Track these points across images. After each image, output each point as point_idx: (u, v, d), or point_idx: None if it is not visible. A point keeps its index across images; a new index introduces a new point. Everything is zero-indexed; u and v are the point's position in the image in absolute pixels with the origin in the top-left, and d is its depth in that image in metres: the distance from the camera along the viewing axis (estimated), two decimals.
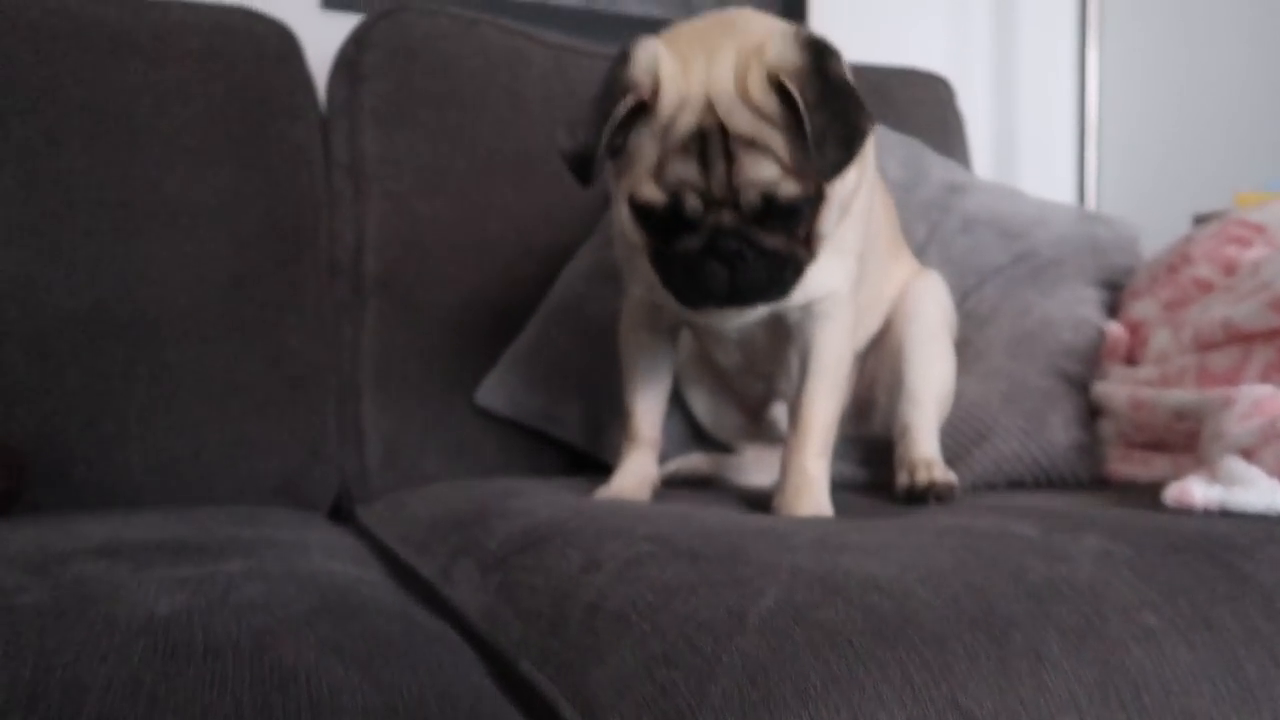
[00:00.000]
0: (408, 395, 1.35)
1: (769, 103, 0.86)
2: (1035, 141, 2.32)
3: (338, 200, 1.41)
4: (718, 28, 0.92)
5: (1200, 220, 1.74)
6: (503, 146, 1.47)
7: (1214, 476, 0.83)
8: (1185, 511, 0.82)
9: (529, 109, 1.51)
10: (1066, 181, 2.17)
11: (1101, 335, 1.26)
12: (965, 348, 1.29)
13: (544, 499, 0.99)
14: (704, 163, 0.87)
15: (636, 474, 1.11)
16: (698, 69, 0.88)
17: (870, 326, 1.19)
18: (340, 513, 1.32)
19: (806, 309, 1.01)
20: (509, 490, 1.06)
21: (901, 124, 1.80)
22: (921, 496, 1.02)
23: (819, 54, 0.87)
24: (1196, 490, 0.82)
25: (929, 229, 1.49)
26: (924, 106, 1.90)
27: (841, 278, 1.01)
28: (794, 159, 0.86)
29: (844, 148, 0.85)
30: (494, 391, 1.34)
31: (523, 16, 1.70)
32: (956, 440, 1.16)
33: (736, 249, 0.88)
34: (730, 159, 0.86)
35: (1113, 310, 1.34)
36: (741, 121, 0.86)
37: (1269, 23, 1.96)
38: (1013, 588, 0.61)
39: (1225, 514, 0.80)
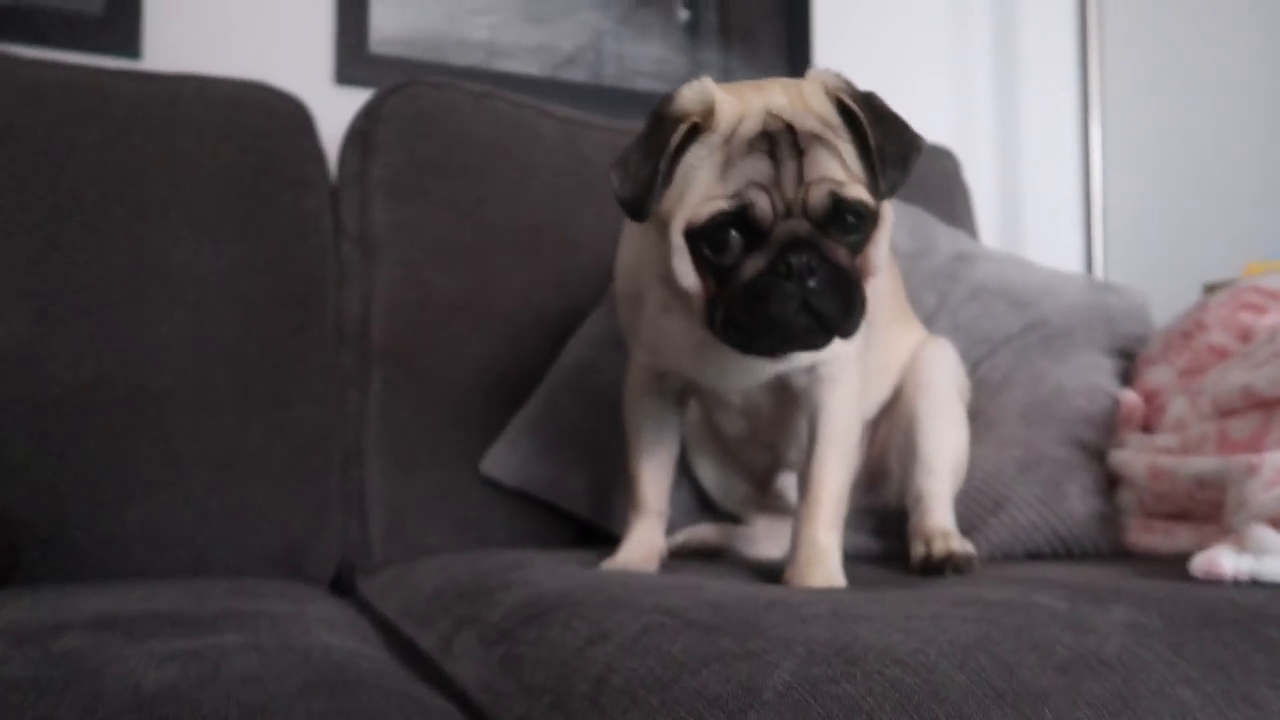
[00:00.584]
0: (413, 465, 1.33)
1: (830, 114, 0.87)
2: (1041, 213, 2.33)
3: (346, 270, 1.41)
4: (758, 81, 0.93)
5: (1210, 289, 1.73)
6: (512, 217, 1.48)
7: (1242, 546, 0.80)
8: (1215, 582, 0.79)
9: (538, 180, 1.52)
10: (1074, 252, 2.17)
11: (1116, 403, 1.24)
12: (978, 416, 1.27)
13: (549, 570, 0.96)
14: (774, 159, 0.84)
15: (643, 545, 1.08)
16: (751, 96, 0.88)
17: (879, 394, 1.18)
18: (342, 584, 1.29)
19: (813, 372, 1.00)
20: (514, 562, 1.04)
21: (908, 195, 1.80)
22: (938, 568, 0.99)
23: (863, 90, 0.89)
24: (1226, 560, 0.79)
25: (938, 298, 1.48)
26: (930, 178, 1.91)
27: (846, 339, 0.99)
28: (854, 172, 0.86)
29: (901, 165, 0.86)
30: (500, 461, 1.32)
31: (533, 91, 1.73)
32: (972, 510, 1.14)
33: (808, 264, 0.82)
34: (800, 154, 0.84)
35: (1127, 378, 1.32)
36: (808, 121, 0.86)
37: (1277, 93, 1.99)
38: (1040, 661, 0.58)
39: (1256, 584, 0.77)
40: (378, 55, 1.81)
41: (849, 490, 1.02)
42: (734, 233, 0.84)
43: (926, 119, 2.22)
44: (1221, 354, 1.16)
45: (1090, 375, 1.29)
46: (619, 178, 0.87)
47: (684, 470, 1.28)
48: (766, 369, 0.97)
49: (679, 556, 1.18)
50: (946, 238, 1.58)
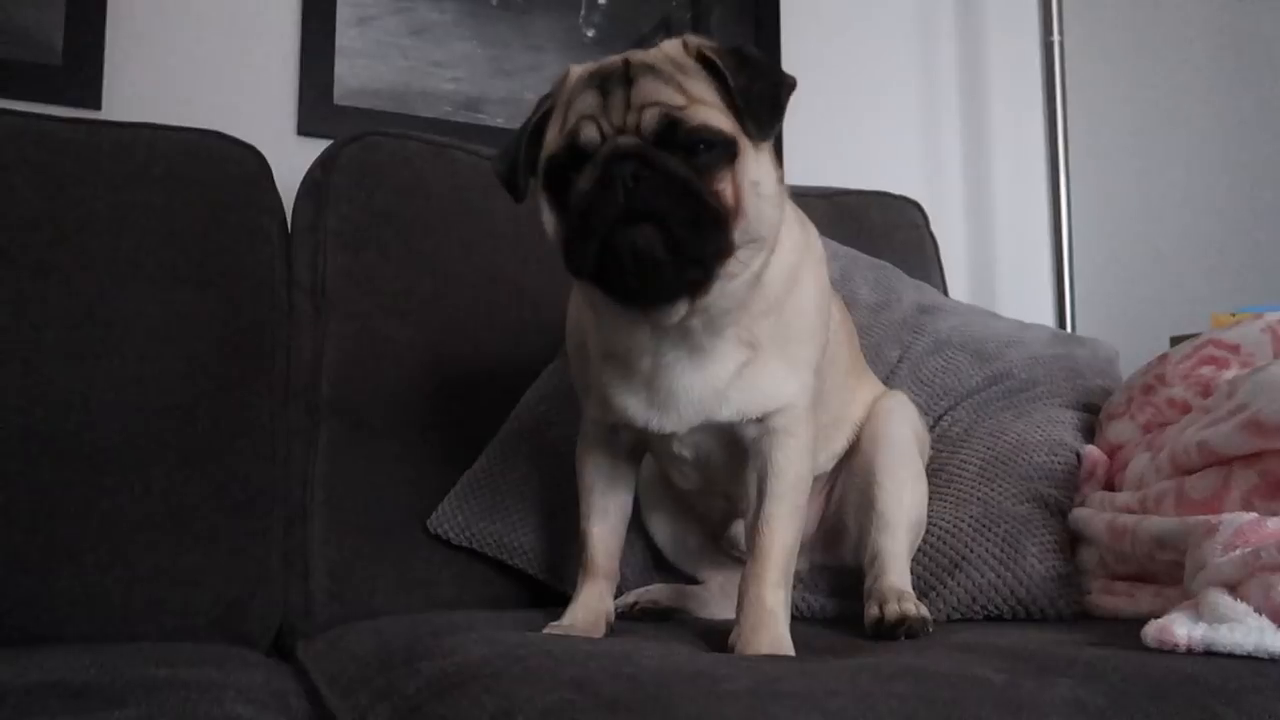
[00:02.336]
0: (358, 522, 1.29)
1: (682, 58, 0.87)
2: (1012, 264, 2.32)
3: (298, 322, 1.38)
4: None
5: (1175, 341, 1.71)
6: (468, 269, 1.46)
7: (1198, 613, 0.77)
8: (1170, 650, 0.76)
9: (496, 231, 1.50)
10: (1045, 303, 2.16)
11: (1078, 458, 1.21)
12: (939, 472, 1.24)
13: (483, 636, 0.92)
14: (603, 93, 0.84)
15: (591, 608, 1.04)
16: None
17: (835, 446, 1.15)
18: (285, 647, 1.24)
19: (763, 424, 0.97)
20: (450, 626, 1.00)
21: (876, 247, 1.80)
22: (891, 631, 0.95)
23: (736, 45, 0.90)
24: (1179, 629, 0.75)
25: (901, 350, 1.46)
26: (899, 230, 1.90)
27: (796, 390, 0.96)
28: (705, 101, 0.84)
29: (771, 104, 0.85)
30: (448, 519, 1.28)
31: (500, 142, 1.71)
32: (929, 569, 1.10)
33: (632, 173, 0.79)
34: (630, 83, 0.84)
35: (1092, 432, 1.30)
36: (647, 59, 0.86)
37: (1243, 146, 1.99)
38: None
39: (1211, 654, 0.74)
40: (342, 107, 1.80)
41: (799, 547, 0.99)
42: (571, 172, 0.84)
43: (897, 172, 2.22)
44: (1183, 408, 1.14)
45: (1052, 429, 1.26)
46: (497, 162, 0.94)
47: (638, 528, 1.24)
48: (709, 406, 0.94)
49: (629, 618, 1.14)
50: (911, 290, 1.56)
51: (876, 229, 1.87)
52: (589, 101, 0.84)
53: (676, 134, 0.82)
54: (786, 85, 0.88)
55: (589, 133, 0.83)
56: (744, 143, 0.85)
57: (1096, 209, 2.22)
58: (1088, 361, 1.47)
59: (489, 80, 1.92)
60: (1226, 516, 0.84)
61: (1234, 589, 0.77)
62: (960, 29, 2.36)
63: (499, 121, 1.90)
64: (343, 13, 1.81)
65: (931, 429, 1.34)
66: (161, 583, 1.17)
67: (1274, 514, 0.85)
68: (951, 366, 1.42)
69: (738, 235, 0.84)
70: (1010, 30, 2.35)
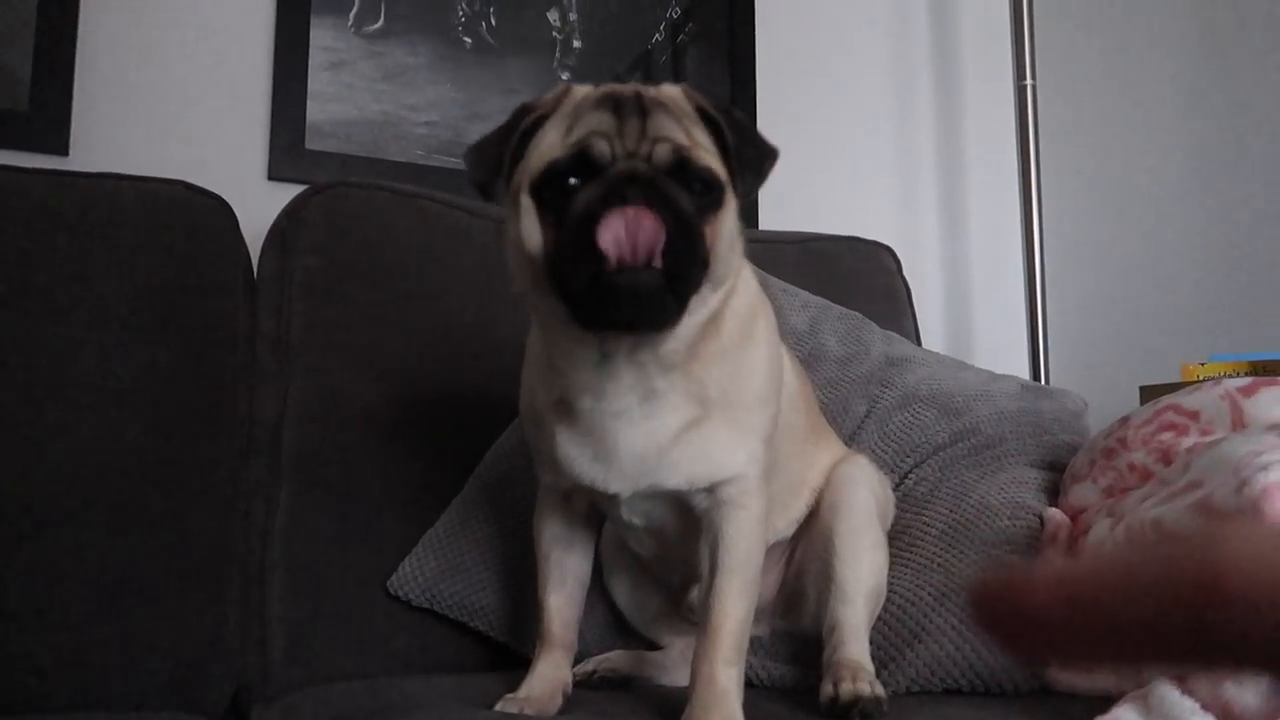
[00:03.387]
0: (318, 582, 1.27)
1: (685, 106, 0.88)
2: (987, 308, 2.33)
3: (262, 376, 1.37)
4: None
5: (1146, 392, 1.72)
6: (436, 323, 1.45)
7: (1146, 707, 0.76)
8: None
9: (466, 283, 1.50)
10: (1020, 347, 2.16)
11: (1040, 521, 1.20)
12: (902, 534, 1.24)
13: (437, 713, 0.91)
14: (618, 115, 0.84)
15: (548, 679, 1.04)
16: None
17: (795, 512, 1.14)
18: (240, 713, 1.22)
19: (713, 495, 0.96)
20: (404, 700, 0.99)
21: (848, 292, 1.80)
22: (845, 713, 0.94)
23: (728, 105, 0.93)
24: None
25: (868, 404, 1.46)
26: (871, 275, 1.91)
27: (746, 460, 0.95)
28: (705, 148, 0.86)
29: (757, 169, 0.88)
30: (409, 580, 1.27)
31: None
32: (889, 639, 1.10)
33: (645, 198, 0.78)
34: (645, 115, 0.84)
35: (1055, 491, 1.29)
36: (661, 96, 0.87)
37: (1215, 194, 2.00)
38: None
39: None
40: (314, 151, 1.79)
41: (752, 619, 0.98)
42: (573, 179, 0.82)
43: (871, 218, 2.23)
44: (1143, 474, 1.14)
45: (1016, 491, 1.26)
46: (471, 161, 0.90)
47: (600, 589, 1.23)
48: (654, 465, 0.93)
49: (588, 686, 1.13)
50: (880, 342, 1.56)
51: (849, 274, 1.87)
52: (603, 119, 0.84)
53: (685, 172, 0.84)
54: (771, 155, 0.91)
55: (601, 148, 0.83)
56: (729, 193, 0.88)
57: (1070, 255, 2.23)
58: (1055, 416, 1.47)
59: (463, 124, 1.92)
60: None
61: (1182, 683, 0.77)
62: (935, 73, 2.37)
63: None
64: (315, 57, 1.80)
65: (896, 487, 1.34)
66: (115, 649, 1.15)
67: None
68: (918, 422, 1.42)
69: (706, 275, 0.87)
70: (984, 75, 2.37)
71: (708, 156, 0.86)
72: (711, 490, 0.96)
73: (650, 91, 0.88)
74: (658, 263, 0.78)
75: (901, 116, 2.33)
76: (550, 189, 0.83)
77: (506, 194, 0.89)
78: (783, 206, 2.12)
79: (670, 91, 0.90)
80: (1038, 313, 2.03)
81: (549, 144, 0.85)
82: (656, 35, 2.08)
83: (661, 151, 0.83)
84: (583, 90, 0.89)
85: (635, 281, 0.78)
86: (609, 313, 0.82)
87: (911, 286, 1.94)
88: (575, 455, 0.96)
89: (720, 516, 0.96)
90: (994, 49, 2.33)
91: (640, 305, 0.80)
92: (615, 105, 0.85)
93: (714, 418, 0.95)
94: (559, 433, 0.97)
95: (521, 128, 0.88)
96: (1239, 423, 1.07)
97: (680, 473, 0.94)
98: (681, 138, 0.85)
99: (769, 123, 2.11)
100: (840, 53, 2.27)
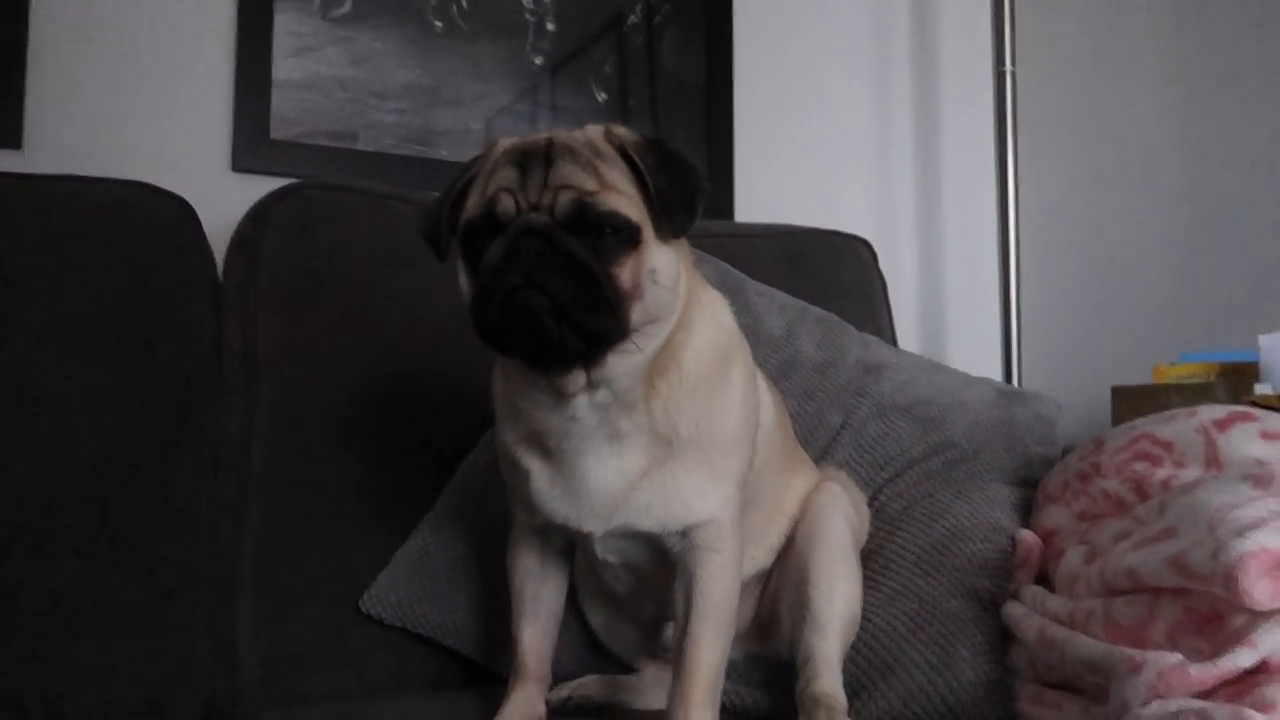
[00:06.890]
0: (289, 601, 1.26)
1: (605, 147, 0.90)
2: (962, 301, 2.33)
3: (229, 388, 1.34)
4: None
5: (1117, 393, 1.73)
6: (407, 331, 1.42)
7: None
8: None
9: (438, 287, 1.46)
10: (992, 341, 2.16)
11: (1013, 543, 1.21)
12: (875, 554, 1.24)
13: None
14: (522, 170, 0.88)
15: (521, 713, 1.04)
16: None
17: (771, 541, 1.15)
18: None
19: (686, 538, 0.97)
20: None
21: (824, 286, 1.78)
22: None
23: (655, 138, 0.95)
24: None
25: (844, 415, 1.45)
26: (847, 268, 1.89)
27: (718, 504, 0.96)
28: (618, 189, 0.88)
29: (687, 207, 0.90)
30: (382, 598, 1.26)
31: (445, 173, 1.66)
32: (863, 669, 1.10)
33: (537, 249, 0.84)
34: (549, 165, 0.87)
35: (1028, 509, 1.30)
36: (570, 141, 0.90)
37: (1191, 192, 2.00)
38: None
39: None
40: (279, 141, 1.74)
41: (725, 663, 0.98)
42: (485, 239, 0.88)
43: (848, 209, 2.21)
44: (1116, 502, 1.14)
45: (989, 511, 1.26)
46: (419, 223, 0.98)
47: (575, 610, 1.23)
48: (623, 505, 0.94)
49: (562, 714, 1.13)
50: (856, 347, 1.55)
51: (825, 268, 1.85)
52: (509, 176, 0.88)
53: (585, 217, 0.86)
54: (701, 189, 0.92)
55: (506, 204, 0.88)
56: (648, 232, 0.89)
57: (1043, 259, 2.23)
58: (1028, 425, 1.46)
59: (434, 111, 1.86)
60: (1151, 655, 0.85)
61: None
62: (914, 59, 2.34)
63: (443, 154, 1.85)
64: (280, 43, 1.74)
65: (871, 502, 1.34)
66: (79, 678, 1.14)
67: (1196, 651, 0.86)
68: (893, 434, 1.42)
69: (635, 316, 0.89)
70: (964, 61, 2.34)
71: (616, 199, 0.87)
72: (684, 534, 0.96)
73: (562, 138, 0.91)
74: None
75: (879, 103, 2.30)
76: (470, 246, 0.90)
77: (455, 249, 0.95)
78: (759, 194, 2.10)
79: (589, 134, 0.92)
80: (1011, 308, 2.04)
81: (472, 203, 0.91)
82: (632, 17, 2.03)
83: (562, 200, 0.86)
84: (504, 144, 0.93)
85: (526, 300, 0.84)
86: (524, 346, 0.88)
87: (887, 279, 1.92)
88: (547, 491, 0.97)
89: (694, 560, 0.96)
90: (974, 34, 2.29)
91: (542, 338, 0.85)
92: (523, 158, 0.89)
93: (686, 459, 0.95)
94: (531, 469, 0.97)
95: (455, 190, 0.94)
96: (1213, 458, 1.07)
97: (652, 516, 0.95)
98: (588, 183, 0.87)
99: (743, 109, 2.08)
100: (819, 39, 2.23)
